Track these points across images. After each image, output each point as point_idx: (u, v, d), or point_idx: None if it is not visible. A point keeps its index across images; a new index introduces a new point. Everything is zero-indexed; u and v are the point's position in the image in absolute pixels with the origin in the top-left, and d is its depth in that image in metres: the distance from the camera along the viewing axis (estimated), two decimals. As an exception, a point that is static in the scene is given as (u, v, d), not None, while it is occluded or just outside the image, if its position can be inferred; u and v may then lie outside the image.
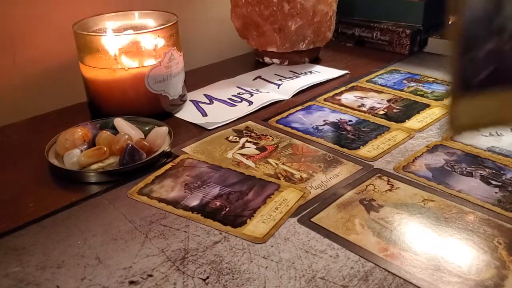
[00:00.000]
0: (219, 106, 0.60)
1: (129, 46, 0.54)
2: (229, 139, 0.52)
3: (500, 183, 0.43)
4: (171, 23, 0.56)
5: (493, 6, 0.16)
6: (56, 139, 0.48)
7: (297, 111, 0.59)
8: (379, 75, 0.70)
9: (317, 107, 0.60)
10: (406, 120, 0.56)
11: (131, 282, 0.32)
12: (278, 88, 0.65)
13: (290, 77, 0.69)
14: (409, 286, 0.32)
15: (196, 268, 0.34)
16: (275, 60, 0.74)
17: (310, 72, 0.71)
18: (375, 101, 0.61)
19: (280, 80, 0.68)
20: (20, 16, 0.60)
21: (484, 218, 0.38)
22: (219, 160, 0.47)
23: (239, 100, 0.62)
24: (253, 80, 0.69)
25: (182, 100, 0.60)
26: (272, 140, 0.52)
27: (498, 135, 0.52)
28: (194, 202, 0.41)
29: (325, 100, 0.62)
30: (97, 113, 0.57)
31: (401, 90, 0.64)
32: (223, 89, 0.65)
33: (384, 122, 0.55)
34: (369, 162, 0.47)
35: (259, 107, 0.60)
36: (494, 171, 0.45)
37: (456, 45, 0.16)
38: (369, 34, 0.81)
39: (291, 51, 0.72)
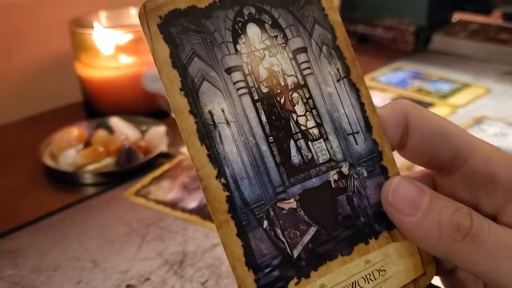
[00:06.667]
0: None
1: (125, 44, 0.53)
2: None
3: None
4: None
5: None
6: (51, 139, 0.48)
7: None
8: (383, 73, 0.69)
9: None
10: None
11: (128, 286, 0.32)
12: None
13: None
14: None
15: (194, 271, 0.33)
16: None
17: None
18: (379, 100, 0.60)
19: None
20: (15, 14, 0.59)
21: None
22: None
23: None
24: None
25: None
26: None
27: (502, 134, 0.51)
28: (192, 203, 0.41)
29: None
30: (93, 112, 0.56)
31: (405, 89, 0.63)
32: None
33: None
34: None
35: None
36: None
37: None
38: (372, 31, 0.80)
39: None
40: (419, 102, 0.60)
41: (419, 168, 0.20)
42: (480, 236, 0.15)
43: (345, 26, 0.18)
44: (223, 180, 0.15)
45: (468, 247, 0.15)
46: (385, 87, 0.64)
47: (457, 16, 0.83)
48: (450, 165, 0.18)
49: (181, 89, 0.15)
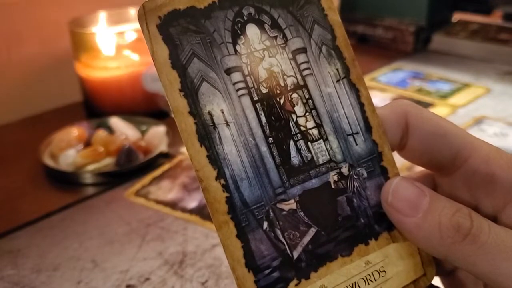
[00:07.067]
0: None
1: (125, 44, 0.53)
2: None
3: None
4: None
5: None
6: (51, 139, 0.48)
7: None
8: (383, 73, 0.69)
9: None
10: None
11: (128, 286, 0.32)
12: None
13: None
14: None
15: (194, 271, 0.33)
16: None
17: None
18: (379, 100, 0.60)
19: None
20: (15, 14, 0.59)
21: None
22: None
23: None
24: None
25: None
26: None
27: (502, 134, 0.51)
28: (192, 203, 0.41)
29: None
30: (93, 112, 0.56)
31: (405, 89, 0.63)
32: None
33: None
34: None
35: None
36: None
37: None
38: (372, 31, 0.80)
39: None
40: (419, 102, 0.60)
41: (419, 169, 0.20)
42: (480, 237, 0.15)
43: (345, 26, 0.18)
44: (222, 181, 0.15)
45: (468, 248, 0.15)
46: (385, 87, 0.64)
47: (457, 16, 0.83)
48: (450, 165, 0.18)
49: (180, 90, 0.15)
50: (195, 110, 0.16)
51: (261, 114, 0.16)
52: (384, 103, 0.19)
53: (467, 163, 0.17)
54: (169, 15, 0.16)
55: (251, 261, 0.15)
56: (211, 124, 0.16)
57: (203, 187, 0.15)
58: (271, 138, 0.16)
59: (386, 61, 0.73)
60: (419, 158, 0.18)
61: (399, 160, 0.19)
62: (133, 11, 0.60)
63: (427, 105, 0.59)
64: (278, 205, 0.16)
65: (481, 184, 0.17)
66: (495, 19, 0.81)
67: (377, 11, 0.81)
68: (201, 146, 0.15)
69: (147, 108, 0.55)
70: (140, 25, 0.16)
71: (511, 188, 0.16)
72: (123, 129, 0.49)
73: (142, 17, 0.15)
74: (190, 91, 0.16)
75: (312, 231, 0.16)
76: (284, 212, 0.16)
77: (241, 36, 0.17)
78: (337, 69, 0.18)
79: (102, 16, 0.59)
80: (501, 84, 0.64)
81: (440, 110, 0.57)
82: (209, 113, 0.16)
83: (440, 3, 0.79)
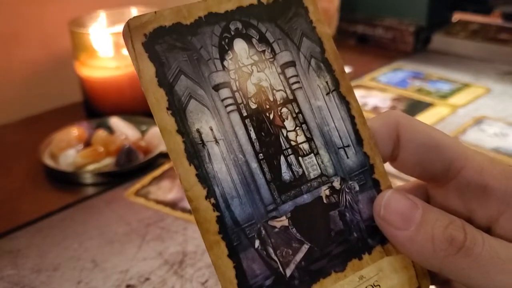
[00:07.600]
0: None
1: (126, 44, 0.53)
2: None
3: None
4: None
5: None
6: (51, 139, 0.48)
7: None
8: (383, 73, 0.69)
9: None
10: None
11: (128, 286, 0.32)
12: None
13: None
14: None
15: (194, 271, 0.33)
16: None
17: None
18: (379, 99, 0.60)
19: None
20: (15, 14, 0.59)
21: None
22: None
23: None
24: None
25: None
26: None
27: (502, 134, 0.51)
28: (192, 203, 0.41)
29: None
30: (93, 112, 0.56)
31: (405, 89, 0.63)
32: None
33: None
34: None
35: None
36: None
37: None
38: (372, 31, 0.80)
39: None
40: (419, 102, 0.60)
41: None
42: (474, 249, 0.15)
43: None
44: (212, 200, 0.15)
45: (462, 261, 0.15)
46: (385, 87, 0.64)
47: (457, 16, 0.83)
48: (443, 176, 0.17)
49: (168, 108, 0.15)
50: (183, 129, 0.15)
51: (250, 130, 0.16)
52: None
53: (460, 174, 0.17)
54: (154, 32, 0.15)
55: (244, 281, 0.15)
56: (200, 142, 0.15)
57: (193, 207, 0.15)
58: (261, 154, 0.16)
59: (386, 61, 0.73)
60: (412, 169, 0.18)
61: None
62: (133, 11, 0.60)
63: (427, 105, 0.59)
64: (270, 223, 0.16)
65: (475, 195, 0.17)
66: (495, 19, 0.81)
67: (377, 11, 0.81)
68: (190, 165, 0.15)
69: (147, 108, 0.54)
70: (125, 43, 0.15)
71: (504, 198, 0.16)
72: (123, 129, 0.49)
73: (127, 35, 0.15)
74: (177, 109, 0.15)
75: (305, 247, 0.16)
76: (276, 229, 0.16)
77: (229, 52, 0.16)
78: (327, 82, 0.18)
79: (102, 16, 0.59)
80: (501, 84, 0.64)
81: (440, 110, 0.58)
82: (198, 131, 0.15)
83: (440, 3, 0.79)
